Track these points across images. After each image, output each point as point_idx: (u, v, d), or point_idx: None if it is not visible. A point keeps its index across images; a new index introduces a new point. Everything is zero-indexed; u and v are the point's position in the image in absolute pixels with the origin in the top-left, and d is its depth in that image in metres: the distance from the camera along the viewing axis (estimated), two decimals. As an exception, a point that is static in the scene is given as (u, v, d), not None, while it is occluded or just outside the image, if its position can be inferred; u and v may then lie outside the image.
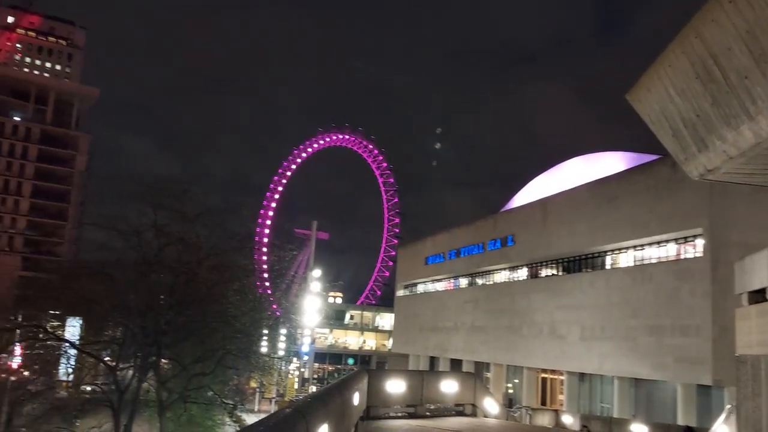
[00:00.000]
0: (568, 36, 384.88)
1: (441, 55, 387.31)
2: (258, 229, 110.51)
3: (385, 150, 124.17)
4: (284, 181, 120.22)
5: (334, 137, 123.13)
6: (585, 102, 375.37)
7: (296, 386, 71.57)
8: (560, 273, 50.42)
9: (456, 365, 62.80)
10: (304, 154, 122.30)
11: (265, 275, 77.55)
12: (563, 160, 60.22)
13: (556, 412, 32.19)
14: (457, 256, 65.59)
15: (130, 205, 32.85)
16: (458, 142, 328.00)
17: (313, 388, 73.28)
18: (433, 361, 69.64)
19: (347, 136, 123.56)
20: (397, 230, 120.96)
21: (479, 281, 62.97)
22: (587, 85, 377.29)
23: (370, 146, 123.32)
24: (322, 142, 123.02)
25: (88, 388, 40.89)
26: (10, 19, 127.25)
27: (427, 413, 23.23)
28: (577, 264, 48.36)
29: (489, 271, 60.56)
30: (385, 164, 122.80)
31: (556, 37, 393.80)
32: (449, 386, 24.09)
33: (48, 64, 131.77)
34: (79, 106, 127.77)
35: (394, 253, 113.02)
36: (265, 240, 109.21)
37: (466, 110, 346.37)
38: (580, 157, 58.17)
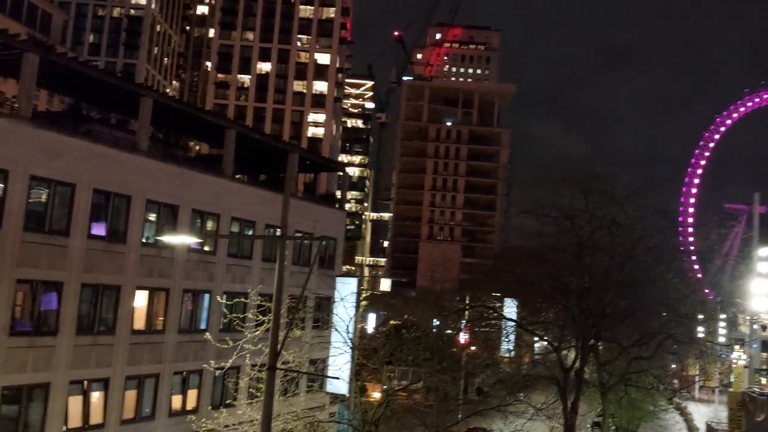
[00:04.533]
0: None
1: None
2: (681, 208, 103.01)
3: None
4: (706, 153, 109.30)
5: (766, 97, 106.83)
6: None
7: (746, 376, 64.39)
8: None
9: None
10: (728, 121, 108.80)
11: (693, 257, 71.70)
12: None
13: None
14: None
15: (556, 191, 33.80)
16: None
17: (763, 381, 65.31)
18: None
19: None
20: None
21: None
22: None
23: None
24: (750, 104, 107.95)
25: (530, 365, 43.58)
26: (438, 36, 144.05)
27: None
28: None
29: None
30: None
31: None
32: None
33: (470, 70, 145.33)
34: (499, 104, 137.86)
35: None
36: (690, 218, 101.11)
37: None
38: None
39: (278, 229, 21.10)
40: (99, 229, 26.33)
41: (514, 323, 36.31)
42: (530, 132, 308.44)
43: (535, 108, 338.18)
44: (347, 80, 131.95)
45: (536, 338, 41.81)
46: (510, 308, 44.45)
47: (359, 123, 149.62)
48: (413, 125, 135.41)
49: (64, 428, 24.86)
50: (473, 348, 51.74)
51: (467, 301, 43.14)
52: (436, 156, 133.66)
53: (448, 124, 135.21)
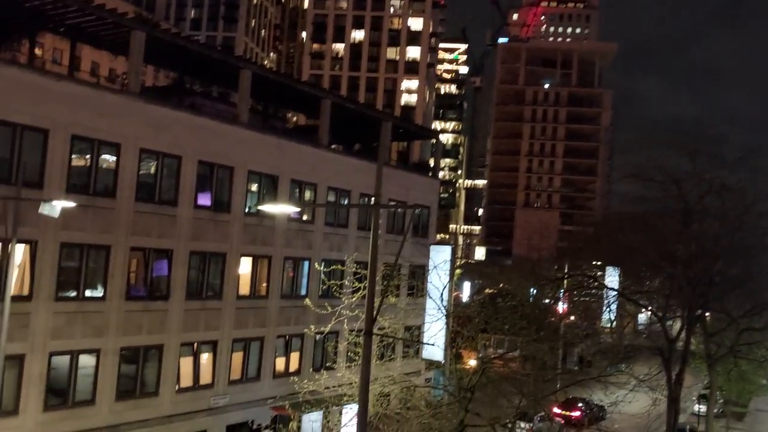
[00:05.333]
0: None
1: None
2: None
3: None
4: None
5: None
6: None
7: None
8: None
9: None
10: None
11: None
12: None
13: None
14: None
15: (661, 154, 32.22)
16: None
17: None
18: None
19: None
20: None
21: None
22: None
23: None
24: None
25: (632, 335, 42.31)
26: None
27: None
28: None
29: None
30: None
31: None
32: None
33: (569, 29, 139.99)
34: (599, 63, 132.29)
35: None
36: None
37: None
38: None
39: (372, 198, 21.39)
40: (204, 200, 27.57)
41: (615, 292, 35.23)
42: (634, 91, 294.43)
43: (639, 66, 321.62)
44: (440, 45, 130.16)
45: (639, 308, 40.49)
46: (611, 277, 43.28)
47: (453, 89, 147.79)
48: (509, 89, 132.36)
49: (177, 387, 26.53)
50: (572, 318, 50.88)
51: (566, 270, 42.29)
52: (533, 120, 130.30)
53: (546, 86, 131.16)
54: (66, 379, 22.96)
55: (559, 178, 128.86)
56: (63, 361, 22.80)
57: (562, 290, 39.40)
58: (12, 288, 19.23)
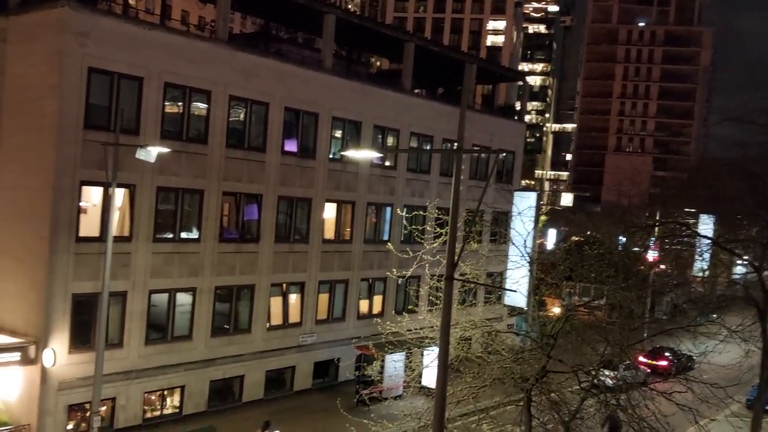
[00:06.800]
0: None
1: None
2: None
3: None
4: None
5: None
6: None
7: None
8: None
9: None
10: None
11: None
12: None
13: None
14: None
15: (764, 95, 30.12)
16: None
17: None
18: None
19: None
20: None
21: None
22: None
23: None
24: None
25: (726, 285, 40.71)
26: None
27: None
28: None
29: None
30: None
31: None
32: None
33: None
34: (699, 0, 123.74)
35: None
36: None
37: None
38: None
39: (455, 143, 21.19)
40: (291, 146, 28.17)
41: (709, 241, 33.86)
42: (736, 27, 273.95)
43: (742, 0, 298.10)
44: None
45: (734, 257, 38.82)
46: (706, 225, 41.69)
47: (541, 28, 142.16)
48: (601, 28, 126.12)
49: (268, 325, 27.80)
50: (662, 266, 49.53)
51: (657, 217, 40.90)
52: (626, 60, 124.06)
53: (641, 24, 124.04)
54: (165, 316, 24.49)
55: (653, 122, 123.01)
56: (162, 298, 24.29)
57: (652, 238, 38.28)
58: (114, 229, 20.49)
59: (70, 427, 21.89)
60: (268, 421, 22.85)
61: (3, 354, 20.56)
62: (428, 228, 20.26)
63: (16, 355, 20.79)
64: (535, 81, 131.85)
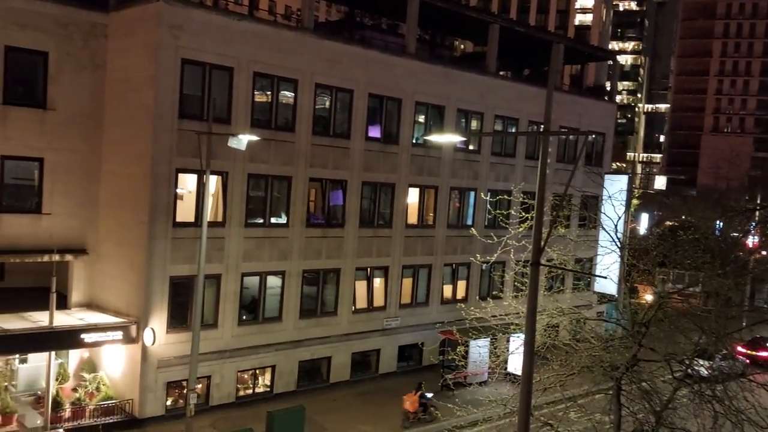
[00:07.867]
0: None
1: None
2: None
3: None
4: None
5: None
6: None
7: None
8: None
9: None
10: None
11: None
12: None
13: None
14: None
15: None
16: None
17: None
18: None
19: None
20: None
21: None
22: None
23: None
24: None
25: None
26: None
27: None
28: None
29: None
30: None
31: None
32: None
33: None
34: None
35: None
36: None
37: None
38: None
39: (541, 125, 20.75)
40: (374, 132, 28.39)
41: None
42: None
43: None
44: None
45: None
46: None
47: (632, 5, 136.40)
48: (697, 2, 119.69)
49: (353, 308, 28.29)
50: (764, 252, 46.93)
51: (758, 201, 38.76)
52: (725, 36, 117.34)
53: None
54: (256, 298, 25.36)
55: (754, 100, 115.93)
56: (253, 281, 25.16)
57: (753, 223, 36.44)
58: (208, 215, 21.34)
59: (168, 402, 23.11)
60: (421, 383, 25.13)
61: (107, 333, 21.89)
62: (513, 212, 19.99)
63: (119, 334, 22.09)
64: (626, 60, 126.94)
